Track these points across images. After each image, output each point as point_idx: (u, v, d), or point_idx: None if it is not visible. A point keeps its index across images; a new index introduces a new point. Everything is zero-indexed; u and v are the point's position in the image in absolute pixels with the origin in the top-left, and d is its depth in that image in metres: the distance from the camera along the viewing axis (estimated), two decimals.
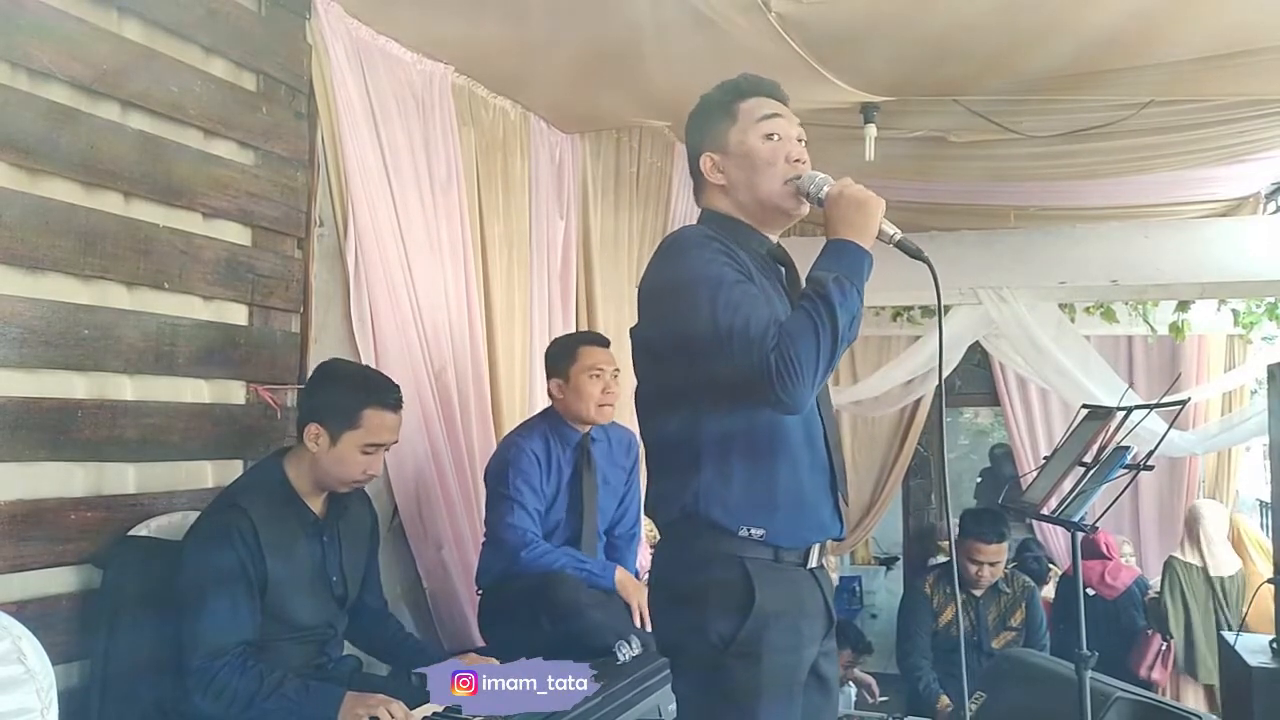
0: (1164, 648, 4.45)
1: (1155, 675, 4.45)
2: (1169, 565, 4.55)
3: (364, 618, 2.29)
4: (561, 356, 2.75)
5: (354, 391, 2.08)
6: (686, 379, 1.59)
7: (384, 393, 2.11)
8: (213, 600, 1.89)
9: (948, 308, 4.71)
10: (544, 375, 3.40)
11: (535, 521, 2.63)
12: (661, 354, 1.63)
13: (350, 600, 2.18)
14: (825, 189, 1.65)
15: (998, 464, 7.16)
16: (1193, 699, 4.42)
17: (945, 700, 3.66)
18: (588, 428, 2.75)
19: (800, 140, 1.72)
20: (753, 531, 1.58)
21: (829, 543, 1.68)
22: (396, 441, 2.16)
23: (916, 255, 1.64)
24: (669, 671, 1.73)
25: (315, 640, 2.10)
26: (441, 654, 2.33)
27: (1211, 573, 4.49)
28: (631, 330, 1.71)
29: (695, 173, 1.76)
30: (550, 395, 2.77)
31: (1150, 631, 4.49)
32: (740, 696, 1.55)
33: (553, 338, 3.48)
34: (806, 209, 1.70)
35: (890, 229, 1.63)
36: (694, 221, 1.77)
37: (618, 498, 2.86)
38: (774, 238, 1.76)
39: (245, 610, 1.93)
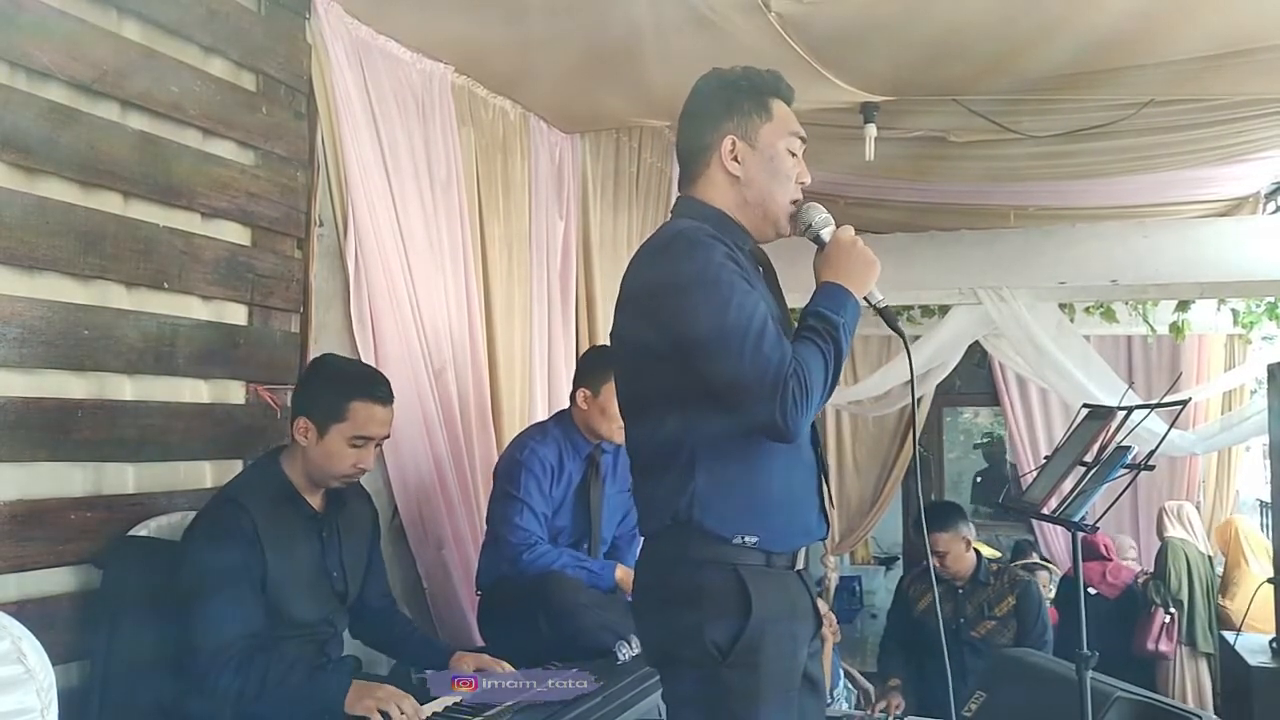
0: (1168, 620, 4.63)
1: (1163, 647, 4.64)
2: (1167, 542, 4.78)
3: (369, 613, 2.28)
4: (596, 370, 2.65)
5: (340, 385, 2.07)
6: (685, 383, 1.54)
7: (371, 385, 2.09)
8: (217, 597, 1.89)
9: (947, 307, 4.73)
10: (544, 375, 3.43)
11: (541, 525, 2.63)
12: (660, 356, 1.56)
13: (351, 596, 2.18)
14: (827, 229, 1.68)
15: (995, 465, 7.17)
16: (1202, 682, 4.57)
17: (895, 681, 3.88)
18: (600, 441, 2.74)
19: None
20: (746, 539, 1.54)
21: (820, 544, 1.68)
22: (388, 436, 2.14)
23: (893, 326, 1.73)
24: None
25: (315, 639, 2.10)
26: (448, 649, 2.31)
27: (1201, 549, 4.82)
28: (619, 329, 1.64)
29: (699, 151, 1.67)
30: (573, 402, 2.73)
31: (1153, 608, 4.66)
32: (739, 706, 1.51)
33: (552, 338, 3.49)
34: (789, 233, 1.71)
35: (879, 294, 1.68)
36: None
37: (617, 515, 2.84)
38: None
39: (250, 605, 1.93)
